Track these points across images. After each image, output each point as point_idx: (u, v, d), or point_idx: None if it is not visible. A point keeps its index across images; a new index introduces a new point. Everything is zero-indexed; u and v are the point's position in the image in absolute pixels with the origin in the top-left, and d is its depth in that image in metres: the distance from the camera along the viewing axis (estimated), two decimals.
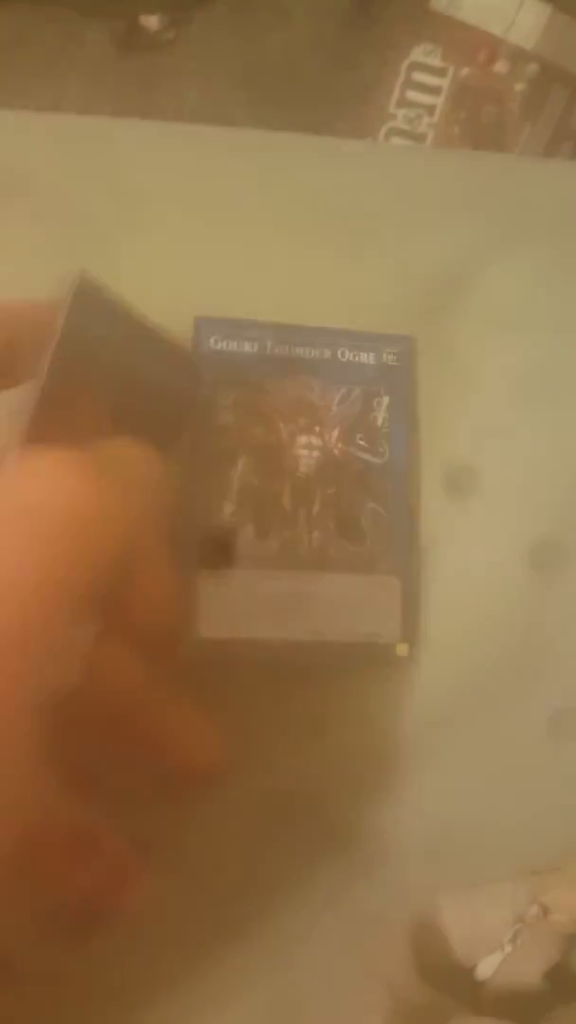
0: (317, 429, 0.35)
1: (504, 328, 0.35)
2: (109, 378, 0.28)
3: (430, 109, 0.61)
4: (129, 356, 0.29)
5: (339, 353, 0.34)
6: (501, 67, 0.60)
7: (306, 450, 0.35)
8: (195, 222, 0.35)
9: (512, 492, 0.35)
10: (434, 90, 0.61)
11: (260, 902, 0.33)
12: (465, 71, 0.61)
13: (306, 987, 0.32)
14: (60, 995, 0.31)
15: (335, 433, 0.35)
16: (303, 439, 0.35)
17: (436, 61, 0.61)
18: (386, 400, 0.34)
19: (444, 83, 0.61)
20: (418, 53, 0.62)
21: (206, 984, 0.32)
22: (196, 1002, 0.32)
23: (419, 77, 0.62)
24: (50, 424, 0.26)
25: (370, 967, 0.31)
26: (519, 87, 0.59)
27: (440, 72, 0.61)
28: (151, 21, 0.63)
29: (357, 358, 0.34)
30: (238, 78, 0.64)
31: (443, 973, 0.32)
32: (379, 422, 0.34)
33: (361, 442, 0.34)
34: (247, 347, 0.34)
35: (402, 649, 0.34)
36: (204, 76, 0.65)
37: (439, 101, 0.61)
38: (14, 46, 0.60)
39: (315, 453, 0.35)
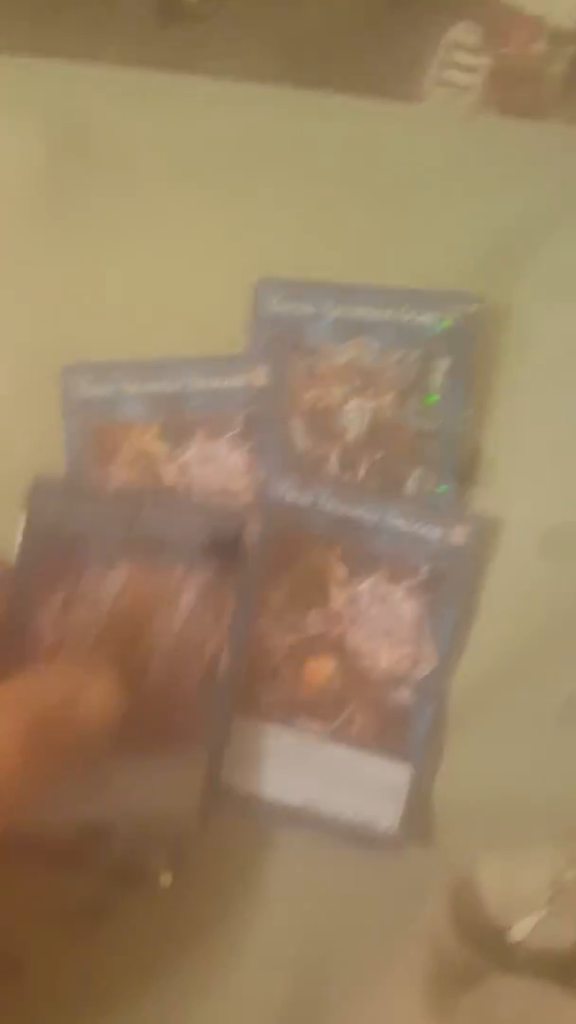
0: (371, 392, 0.35)
1: (567, 295, 0.35)
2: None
3: (468, 88, 0.61)
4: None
5: (400, 314, 0.34)
6: (540, 47, 0.60)
7: (357, 414, 0.35)
8: (255, 183, 0.35)
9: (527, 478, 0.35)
10: (472, 69, 0.61)
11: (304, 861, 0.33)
12: (504, 51, 0.61)
13: (348, 941, 0.32)
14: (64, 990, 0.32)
15: (389, 397, 0.35)
16: (355, 403, 0.35)
17: (475, 40, 0.61)
18: (445, 363, 0.34)
19: (483, 62, 0.61)
20: (457, 32, 0.61)
21: (242, 942, 0.33)
22: (230, 956, 0.33)
23: (458, 56, 0.61)
24: None
25: (412, 924, 0.31)
26: (558, 67, 0.59)
27: (479, 51, 0.61)
28: None
29: (418, 319, 0.34)
30: (276, 52, 0.64)
31: (479, 933, 0.32)
32: (436, 386, 0.34)
33: (415, 406, 0.35)
34: (307, 309, 0.34)
35: None
36: (243, 50, 0.65)
37: (477, 80, 0.61)
38: (48, 15, 0.60)
39: (366, 417, 0.35)
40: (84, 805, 0.31)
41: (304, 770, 0.33)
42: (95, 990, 0.32)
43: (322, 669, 0.34)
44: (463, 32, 0.66)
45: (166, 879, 0.33)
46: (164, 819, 0.32)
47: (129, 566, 0.32)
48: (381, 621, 0.34)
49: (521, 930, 0.33)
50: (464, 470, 0.35)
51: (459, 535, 0.34)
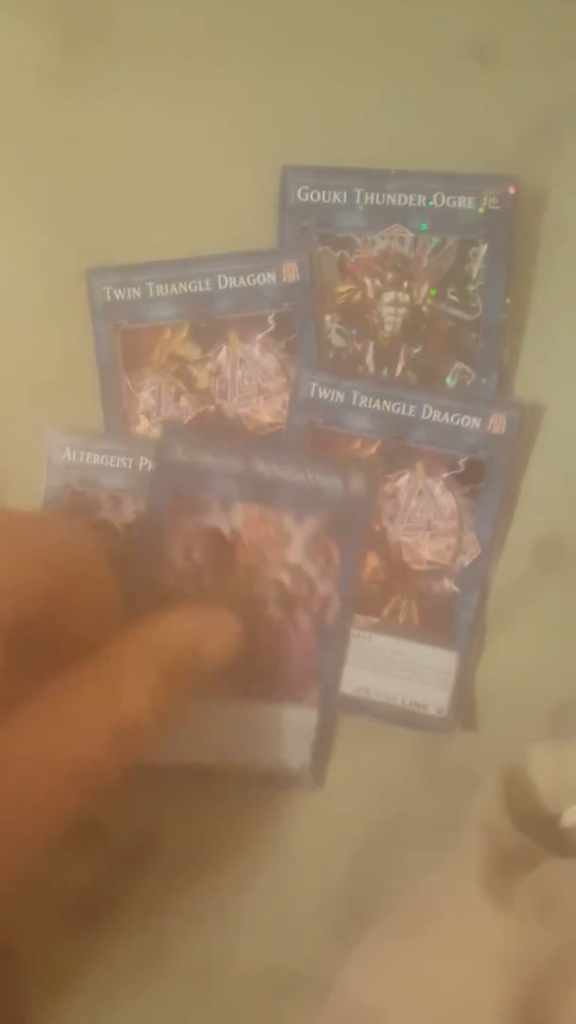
0: (406, 284, 0.34)
1: None
2: None
3: None
4: None
5: (435, 199, 0.33)
6: None
7: (392, 307, 0.34)
8: (279, 66, 0.34)
9: None
10: None
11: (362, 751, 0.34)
12: None
13: (405, 827, 0.33)
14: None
15: (425, 288, 0.34)
16: (390, 296, 0.34)
17: None
18: (483, 250, 0.33)
19: None
20: None
21: (298, 828, 0.33)
22: (286, 843, 0.33)
23: None
24: None
25: (468, 812, 0.32)
26: None
27: None
28: None
29: (454, 203, 0.33)
30: None
31: (531, 819, 0.33)
32: (474, 274, 0.33)
33: (453, 297, 0.34)
34: (336, 197, 0.33)
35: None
36: None
37: None
38: None
39: (402, 310, 0.34)
40: (201, 748, 0.32)
41: (354, 661, 0.33)
42: (91, 977, 0.32)
43: (366, 565, 0.34)
44: None
45: None
46: (276, 767, 0.33)
47: (245, 508, 0.33)
48: (421, 514, 0.34)
49: (572, 816, 0.33)
50: (505, 361, 0.34)
51: (498, 424, 0.33)
